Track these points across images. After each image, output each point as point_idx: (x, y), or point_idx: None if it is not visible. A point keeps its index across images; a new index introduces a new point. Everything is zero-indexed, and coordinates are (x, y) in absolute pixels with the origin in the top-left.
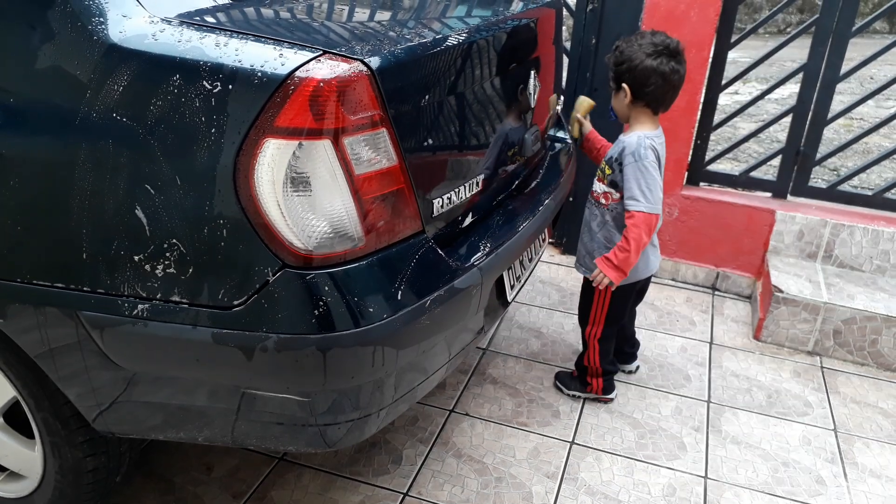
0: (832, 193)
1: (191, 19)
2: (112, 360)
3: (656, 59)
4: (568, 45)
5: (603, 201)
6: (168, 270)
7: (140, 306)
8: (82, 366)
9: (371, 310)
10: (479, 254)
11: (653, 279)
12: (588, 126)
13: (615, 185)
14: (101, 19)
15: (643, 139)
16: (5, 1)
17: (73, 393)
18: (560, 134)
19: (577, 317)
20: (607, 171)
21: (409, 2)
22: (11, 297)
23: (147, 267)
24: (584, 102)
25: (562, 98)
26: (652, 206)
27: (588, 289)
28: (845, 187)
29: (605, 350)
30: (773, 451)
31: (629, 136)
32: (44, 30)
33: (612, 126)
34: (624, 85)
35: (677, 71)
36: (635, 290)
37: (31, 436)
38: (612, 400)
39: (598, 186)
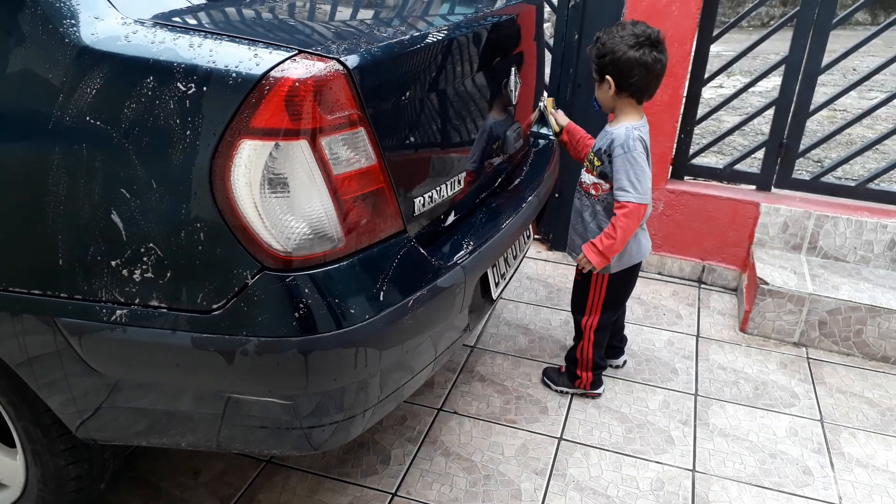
0: (816, 185)
1: (165, 20)
2: (92, 366)
3: (638, 49)
4: (551, 41)
5: (593, 192)
6: (146, 275)
7: (118, 312)
8: (62, 373)
9: (353, 311)
10: (462, 252)
11: (639, 274)
12: (564, 118)
13: (605, 175)
14: (73, 21)
15: (631, 130)
16: None
17: (54, 401)
18: (544, 130)
19: (564, 312)
20: (596, 163)
21: (389, 0)
22: None
23: (125, 272)
24: (545, 101)
25: (545, 94)
26: (641, 197)
27: (584, 279)
28: (829, 178)
29: (600, 340)
30: (761, 443)
31: (617, 128)
32: (14, 33)
33: (597, 118)
34: (608, 77)
35: (660, 60)
36: (634, 275)
37: (12, 444)
38: (599, 395)
39: (587, 177)
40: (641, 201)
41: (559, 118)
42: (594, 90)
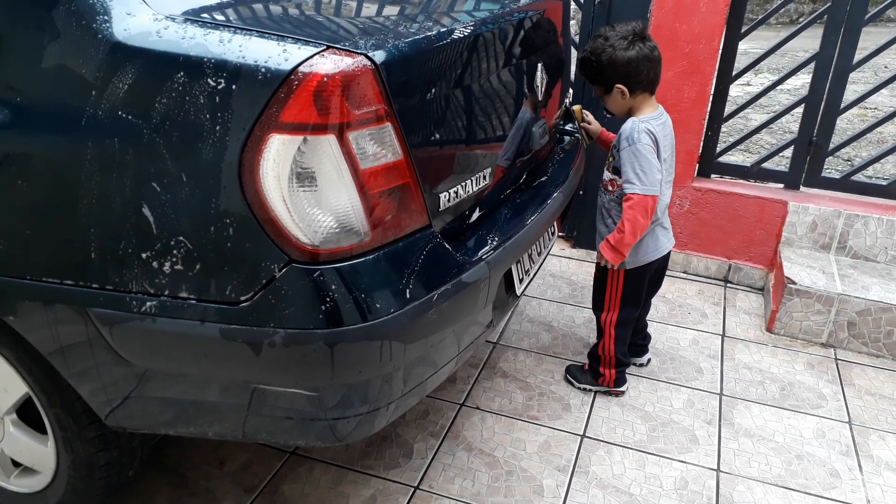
0: (846, 184)
1: (195, 16)
2: (122, 356)
3: (634, 47)
4: (577, 38)
5: (610, 188)
6: (175, 267)
7: (148, 303)
8: (93, 362)
9: (378, 304)
10: (487, 247)
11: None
12: (596, 126)
13: (617, 171)
14: (106, 17)
15: (637, 123)
16: (11, 1)
17: (85, 389)
18: (569, 126)
19: (588, 310)
20: (610, 159)
21: None
22: (22, 295)
23: (155, 264)
24: (575, 110)
25: (570, 91)
26: (647, 188)
27: (602, 275)
28: (859, 177)
29: (621, 337)
30: (787, 444)
31: (626, 123)
32: (49, 29)
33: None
34: (618, 86)
35: (655, 47)
36: (649, 273)
37: (44, 431)
38: (623, 393)
39: (606, 174)
40: (647, 192)
41: (591, 127)
42: (601, 101)
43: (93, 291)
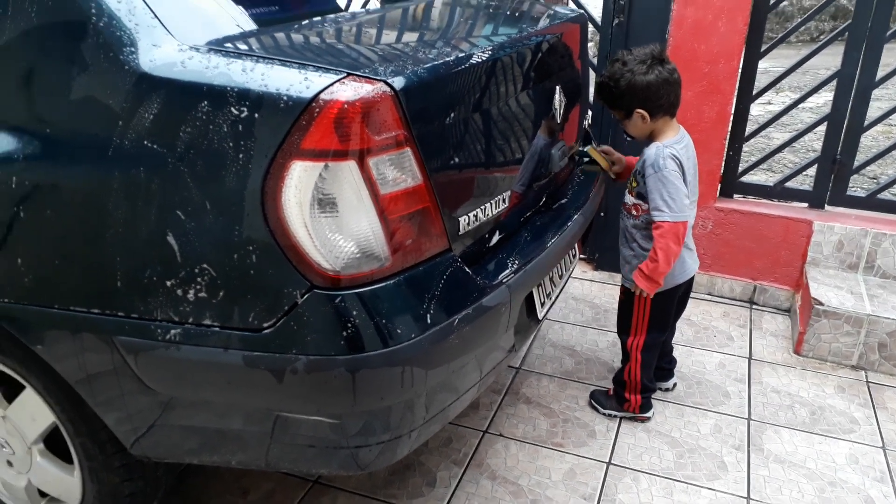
0: (872, 202)
1: (218, 46)
2: (147, 384)
3: (653, 71)
4: (595, 60)
5: (634, 213)
6: (199, 295)
7: (173, 331)
8: (118, 391)
9: (399, 330)
10: (508, 271)
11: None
12: (621, 160)
13: (642, 196)
14: (133, 49)
15: (661, 149)
16: (40, 33)
17: (111, 418)
18: (589, 163)
19: (612, 333)
20: (633, 184)
21: (434, 22)
22: (49, 324)
23: (179, 292)
24: (596, 155)
25: (589, 113)
26: (676, 215)
27: (627, 298)
28: (886, 195)
29: (648, 362)
30: (819, 471)
31: (649, 149)
32: (78, 61)
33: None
34: (638, 110)
35: (674, 70)
36: (677, 296)
37: (70, 461)
38: (649, 419)
39: (629, 198)
40: (677, 219)
41: (612, 158)
42: (621, 126)
43: (119, 319)
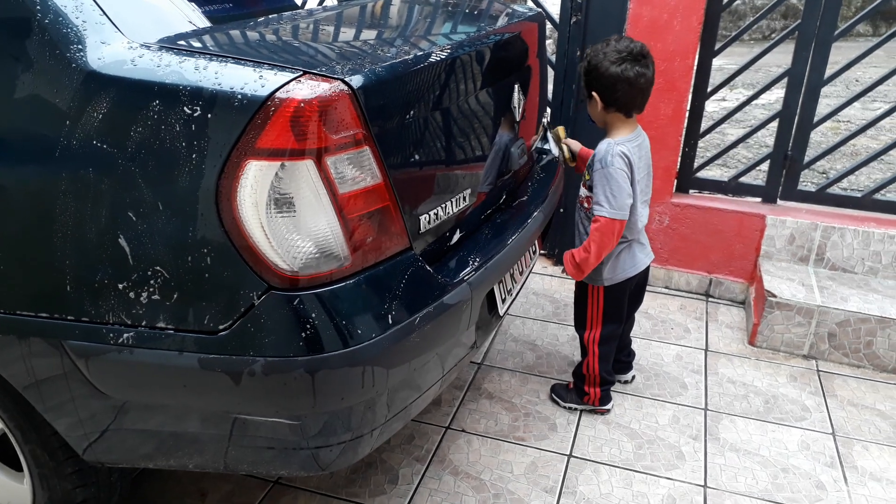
0: (822, 196)
1: (170, 44)
2: (99, 389)
3: (620, 65)
4: (553, 57)
5: (586, 205)
6: (153, 297)
7: (125, 334)
8: (69, 396)
9: (359, 330)
10: (469, 268)
11: (646, 288)
12: (577, 145)
13: (592, 189)
14: (80, 47)
15: (612, 146)
16: None
17: (62, 424)
18: (547, 146)
19: (571, 328)
20: (586, 177)
21: (392, 20)
22: None
23: (131, 294)
24: (557, 130)
25: (548, 110)
26: (615, 212)
27: (581, 293)
28: (835, 190)
29: (605, 355)
30: (773, 458)
31: (601, 144)
32: (22, 59)
33: (601, 133)
34: (593, 93)
35: (643, 74)
36: (629, 288)
37: (19, 468)
38: (608, 411)
39: (582, 191)
40: (615, 216)
41: (572, 146)
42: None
43: (68, 323)
